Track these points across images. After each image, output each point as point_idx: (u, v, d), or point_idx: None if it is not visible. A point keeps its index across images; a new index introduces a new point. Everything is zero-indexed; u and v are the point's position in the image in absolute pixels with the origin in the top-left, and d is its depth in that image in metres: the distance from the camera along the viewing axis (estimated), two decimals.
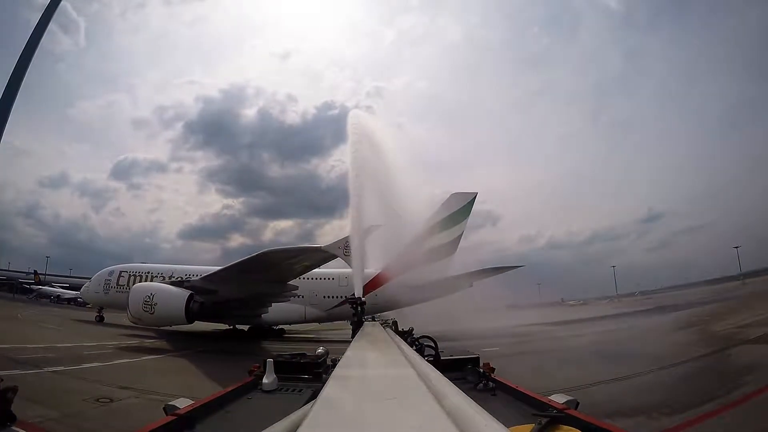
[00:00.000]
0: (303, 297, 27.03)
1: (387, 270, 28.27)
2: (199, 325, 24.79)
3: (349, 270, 28.68)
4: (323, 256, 19.92)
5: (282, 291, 24.30)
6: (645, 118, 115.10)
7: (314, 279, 28.03)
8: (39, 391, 8.44)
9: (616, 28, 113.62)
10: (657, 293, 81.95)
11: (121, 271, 26.66)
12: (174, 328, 22.22)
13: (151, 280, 24.94)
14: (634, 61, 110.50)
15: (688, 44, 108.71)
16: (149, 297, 20.27)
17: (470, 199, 31.84)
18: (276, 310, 26.17)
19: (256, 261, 19.88)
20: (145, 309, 20.17)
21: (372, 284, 27.34)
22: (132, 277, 25.80)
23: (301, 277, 27.18)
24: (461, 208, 31.02)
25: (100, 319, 28.21)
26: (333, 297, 27.52)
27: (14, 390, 6.60)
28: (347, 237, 18.71)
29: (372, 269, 27.98)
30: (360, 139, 10.99)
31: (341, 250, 18.99)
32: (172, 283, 22.26)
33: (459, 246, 30.34)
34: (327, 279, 28.54)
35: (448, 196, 32.09)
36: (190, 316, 20.51)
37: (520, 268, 29.94)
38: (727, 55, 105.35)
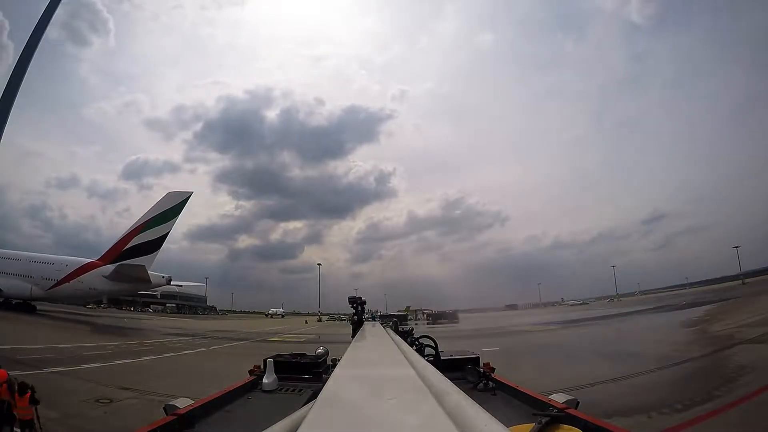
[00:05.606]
0: (32, 277, 29.83)
1: (98, 260, 31.19)
2: None
3: (69, 258, 32.54)
4: None
5: None
6: (650, 119, 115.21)
7: (38, 263, 31.14)
8: None
9: (621, 30, 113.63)
10: (657, 293, 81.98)
11: None
12: None
13: None
14: (640, 62, 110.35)
15: (693, 45, 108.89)
16: None
17: (183, 199, 32.74)
18: (8, 285, 29.43)
19: None
20: None
21: (78, 271, 30.20)
22: None
23: (30, 260, 31.09)
24: (173, 207, 32.11)
25: None
26: (50, 279, 30.05)
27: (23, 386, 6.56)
28: None
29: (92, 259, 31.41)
30: None
31: None
32: None
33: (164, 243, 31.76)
34: (48, 263, 31.15)
35: (165, 194, 33.58)
36: None
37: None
38: (731, 57, 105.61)
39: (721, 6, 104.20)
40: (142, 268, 29.25)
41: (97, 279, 29.93)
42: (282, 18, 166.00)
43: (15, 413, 6.90)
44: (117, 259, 30.13)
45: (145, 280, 30.34)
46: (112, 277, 29.68)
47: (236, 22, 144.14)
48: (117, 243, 31.65)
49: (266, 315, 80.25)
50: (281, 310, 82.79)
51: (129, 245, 30.70)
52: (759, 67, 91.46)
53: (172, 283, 35.36)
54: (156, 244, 31.22)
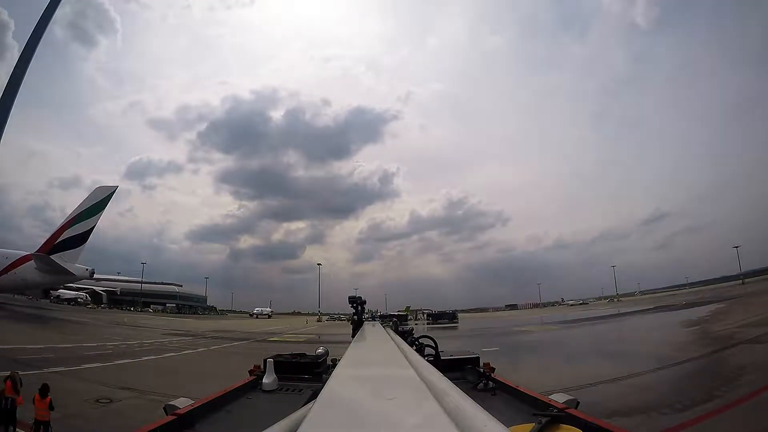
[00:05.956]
0: None
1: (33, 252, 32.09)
2: None
3: (10, 251, 33.32)
4: None
5: None
6: (651, 119, 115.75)
7: None
8: None
9: (622, 31, 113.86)
10: (657, 293, 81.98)
11: None
12: None
13: None
14: (641, 62, 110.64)
15: (693, 46, 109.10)
16: None
17: (109, 193, 33.87)
18: None
19: None
20: None
21: (16, 263, 31.39)
22: None
23: None
24: (99, 202, 33.23)
25: None
26: None
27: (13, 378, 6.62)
28: None
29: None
30: None
31: None
32: None
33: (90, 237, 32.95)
34: None
35: (95, 188, 34.88)
36: None
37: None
38: (731, 57, 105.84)
39: (721, 7, 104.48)
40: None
41: (29, 271, 30.88)
42: (290, 19, 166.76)
43: (16, 415, 6.95)
44: (49, 252, 30.85)
45: (61, 272, 31.21)
46: (39, 268, 30.71)
47: (244, 23, 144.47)
48: (50, 236, 32.58)
49: (251, 315, 73.70)
50: (268, 309, 76.03)
51: (60, 239, 31.60)
52: (759, 67, 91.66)
53: (94, 276, 37.20)
54: (82, 238, 32.31)
